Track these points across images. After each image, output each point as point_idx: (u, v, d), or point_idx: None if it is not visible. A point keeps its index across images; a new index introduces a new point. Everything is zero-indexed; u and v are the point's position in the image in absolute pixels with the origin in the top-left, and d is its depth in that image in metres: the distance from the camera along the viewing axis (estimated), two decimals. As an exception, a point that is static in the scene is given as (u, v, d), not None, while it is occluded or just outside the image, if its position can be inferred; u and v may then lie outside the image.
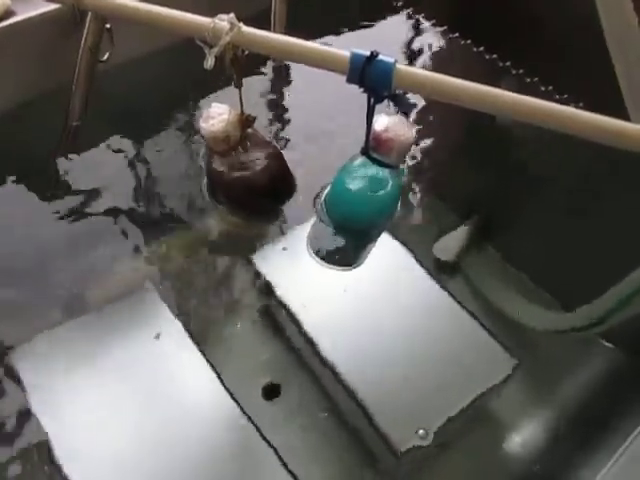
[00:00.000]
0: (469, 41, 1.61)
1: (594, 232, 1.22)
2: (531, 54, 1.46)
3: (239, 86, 0.83)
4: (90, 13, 1.14)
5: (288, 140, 1.36)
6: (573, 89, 1.36)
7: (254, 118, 0.89)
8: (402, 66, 0.72)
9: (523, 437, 1.06)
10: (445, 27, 1.66)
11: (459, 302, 1.10)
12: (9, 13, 1.16)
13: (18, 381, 0.96)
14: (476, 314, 1.09)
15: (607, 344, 1.15)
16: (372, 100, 0.74)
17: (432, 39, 1.65)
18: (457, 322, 1.08)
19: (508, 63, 1.54)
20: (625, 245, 1.13)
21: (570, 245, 1.23)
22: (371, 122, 0.78)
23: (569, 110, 0.70)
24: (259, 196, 0.92)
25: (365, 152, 0.83)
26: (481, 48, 1.59)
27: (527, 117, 0.71)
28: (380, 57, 0.70)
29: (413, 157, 1.39)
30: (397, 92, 0.74)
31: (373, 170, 0.86)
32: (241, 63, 0.75)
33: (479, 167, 1.40)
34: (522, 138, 1.37)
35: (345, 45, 0.73)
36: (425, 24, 1.68)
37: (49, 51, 1.24)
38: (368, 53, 0.69)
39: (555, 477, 1.00)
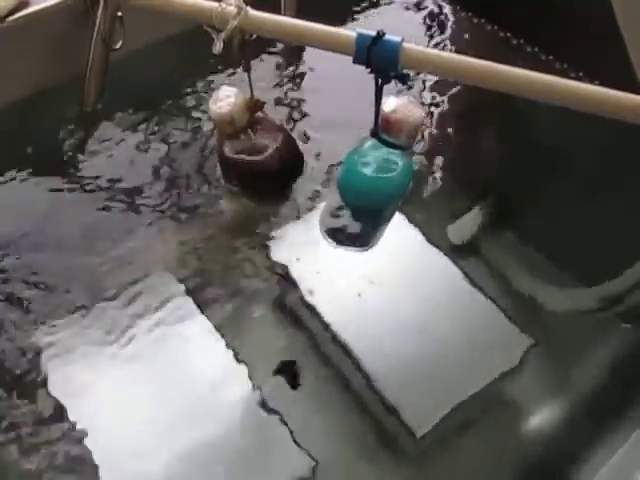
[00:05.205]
0: (482, 20, 1.59)
1: (613, 211, 1.20)
2: (546, 31, 1.43)
3: (247, 70, 0.83)
4: (102, 1, 1.15)
5: (299, 122, 1.35)
6: (589, 66, 1.34)
7: (263, 103, 0.89)
8: (409, 45, 0.71)
9: (539, 419, 1.05)
10: (457, 6, 1.64)
11: (475, 283, 1.09)
12: (23, 4, 1.17)
13: (41, 366, 0.99)
14: (492, 295, 1.08)
15: (626, 325, 1.14)
16: (380, 81, 0.74)
17: (444, 18, 1.63)
18: (473, 303, 1.08)
19: (522, 40, 1.52)
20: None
21: (588, 224, 1.21)
22: (379, 103, 0.78)
23: (584, 87, 0.68)
24: (270, 179, 0.93)
25: (375, 134, 0.83)
26: (495, 27, 1.57)
27: (541, 94, 0.70)
28: (386, 37, 0.69)
29: (427, 138, 1.38)
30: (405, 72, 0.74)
31: (383, 152, 0.86)
32: (248, 47, 0.76)
33: (495, 148, 1.39)
34: (538, 118, 1.35)
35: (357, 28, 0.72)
36: (437, 4, 1.66)
37: (63, 41, 1.25)
38: (374, 33, 0.69)
39: (570, 459, 0.99)
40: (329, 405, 1.02)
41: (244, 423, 0.94)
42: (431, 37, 1.59)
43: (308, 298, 1.08)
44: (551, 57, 1.47)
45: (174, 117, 1.34)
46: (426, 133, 1.37)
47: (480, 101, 1.39)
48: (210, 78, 1.40)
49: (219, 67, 1.39)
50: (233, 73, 1.37)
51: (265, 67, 1.44)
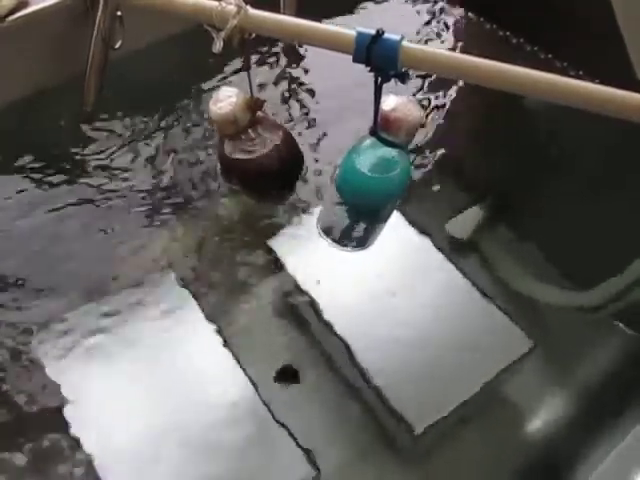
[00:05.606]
0: (482, 19, 1.60)
1: (615, 211, 1.21)
2: (546, 31, 1.43)
3: (247, 69, 0.83)
4: (102, 1, 1.15)
5: (299, 121, 1.36)
6: (589, 66, 1.34)
7: (263, 102, 0.90)
8: (408, 44, 0.71)
9: (539, 418, 1.05)
10: (457, 5, 1.64)
11: (474, 283, 1.10)
12: (23, 4, 1.17)
13: (40, 364, 0.99)
14: (493, 294, 1.09)
15: (625, 328, 1.14)
16: (379, 79, 0.74)
17: (445, 17, 1.63)
18: (473, 303, 1.08)
19: (522, 39, 1.52)
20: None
21: (590, 223, 1.21)
22: (379, 102, 0.78)
23: (588, 85, 0.68)
24: (270, 178, 0.93)
25: (374, 132, 0.83)
26: (494, 26, 1.57)
27: (544, 93, 0.70)
28: (385, 35, 0.69)
29: (428, 137, 1.38)
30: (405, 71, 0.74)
31: (382, 150, 0.86)
32: (247, 46, 0.76)
33: (495, 147, 1.39)
34: (539, 118, 1.36)
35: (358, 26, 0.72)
36: (437, 2, 1.66)
37: (63, 40, 1.26)
38: (373, 32, 0.69)
39: (569, 457, 1.00)
40: (329, 405, 1.02)
41: (244, 423, 0.95)
42: (431, 36, 1.59)
43: (308, 297, 1.08)
44: (550, 56, 1.47)
45: (175, 117, 1.35)
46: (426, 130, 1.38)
47: (482, 99, 1.39)
48: (211, 78, 1.41)
49: (220, 67, 1.39)
50: (233, 73, 1.37)
51: (265, 66, 1.44)
